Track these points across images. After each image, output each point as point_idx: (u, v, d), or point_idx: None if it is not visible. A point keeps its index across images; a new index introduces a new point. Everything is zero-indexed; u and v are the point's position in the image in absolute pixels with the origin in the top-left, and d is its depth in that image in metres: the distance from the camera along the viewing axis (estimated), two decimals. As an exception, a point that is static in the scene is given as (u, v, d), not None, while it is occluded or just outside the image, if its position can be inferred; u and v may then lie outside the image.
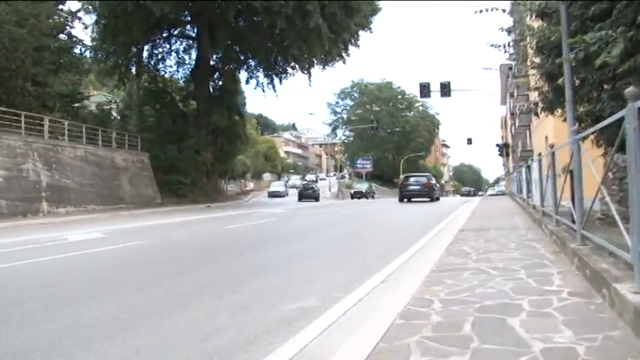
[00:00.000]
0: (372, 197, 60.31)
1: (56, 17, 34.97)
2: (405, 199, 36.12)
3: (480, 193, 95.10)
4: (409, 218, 19.19)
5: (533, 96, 19.70)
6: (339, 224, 17.28)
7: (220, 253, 9.99)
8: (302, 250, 10.23)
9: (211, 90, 44.38)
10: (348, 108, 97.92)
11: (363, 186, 63.67)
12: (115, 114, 43.86)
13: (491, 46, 18.16)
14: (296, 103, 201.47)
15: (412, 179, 38.87)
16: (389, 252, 9.01)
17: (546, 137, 28.48)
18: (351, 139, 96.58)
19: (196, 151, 40.82)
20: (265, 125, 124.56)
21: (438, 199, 38.27)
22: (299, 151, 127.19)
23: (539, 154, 11.82)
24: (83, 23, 39.29)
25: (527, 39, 17.71)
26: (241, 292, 6.04)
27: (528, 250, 7.92)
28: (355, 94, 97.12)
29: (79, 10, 37.72)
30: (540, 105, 17.30)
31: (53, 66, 33.35)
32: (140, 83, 44.72)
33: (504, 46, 18.90)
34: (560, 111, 16.89)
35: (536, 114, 17.82)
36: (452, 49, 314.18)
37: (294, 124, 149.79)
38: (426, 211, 24.08)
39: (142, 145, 38.86)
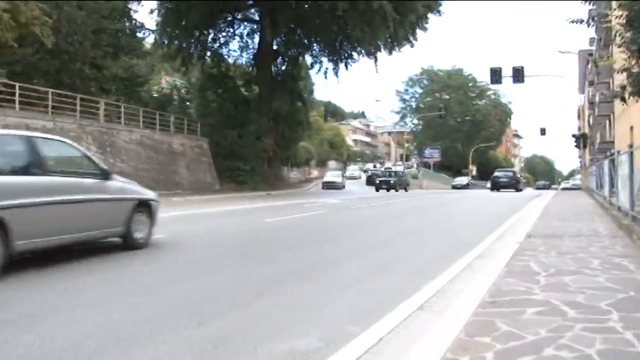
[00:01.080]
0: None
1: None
2: (496, 189, 43.33)
3: (553, 186, 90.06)
4: (474, 215, 17.14)
5: (620, 79, 17.21)
6: (387, 221, 15.45)
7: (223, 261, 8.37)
8: (326, 257, 8.43)
9: (274, 75, 42.93)
10: (417, 96, 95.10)
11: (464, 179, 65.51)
12: (175, 98, 43.04)
13: (572, 22, 15.97)
14: (366, 91, 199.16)
15: (502, 173, 48.39)
16: (434, 262, 7.18)
17: (631, 127, 25.65)
18: (420, 127, 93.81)
19: (257, 137, 39.56)
20: (334, 113, 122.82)
21: (521, 190, 45.29)
22: (367, 139, 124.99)
23: (631, 146, 9.63)
24: (144, 7, 38.54)
25: (614, 13, 15.35)
26: (212, 325, 4.33)
27: (619, 272, 5.88)
28: (425, 82, 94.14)
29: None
30: (629, 89, 14.98)
31: (111, 49, 32.63)
32: (203, 67, 43.80)
33: (588, 21, 16.63)
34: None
35: (623, 99, 15.47)
36: (526, 32, 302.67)
37: (363, 113, 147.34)
38: (496, 205, 21.91)
39: (203, 130, 37.98)
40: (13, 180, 6.67)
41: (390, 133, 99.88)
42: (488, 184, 50.68)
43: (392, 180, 45.18)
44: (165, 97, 40.65)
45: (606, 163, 15.57)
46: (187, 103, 42.74)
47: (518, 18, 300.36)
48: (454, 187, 61.10)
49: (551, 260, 6.74)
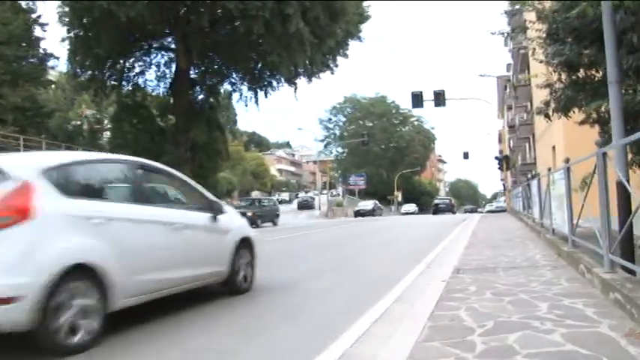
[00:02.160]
0: (380, 215, 58.55)
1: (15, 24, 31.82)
2: (438, 213, 53.57)
3: (479, 210, 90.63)
4: (396, 247, 15.73)
5: (541, 97, 16.37)
6: (291, 259, 13.85)
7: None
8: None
9: (191, 104, 40.94)
10: (340, 124, 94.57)
11: (369, 203, 61.56)
12: (85, 130, 40.45)
13: (492, 33, 15.15)
14: (291, 121, 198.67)
15: (440, 201, 65.69)
16: (337, 317, 5.60)
17: (554, 147, 25.10)
18: (344, 155, 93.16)
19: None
20: (259, 143, 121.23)
21: (455, 212, 58.09)
22: (292, 168, 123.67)
23: (567, 160, 8.37)
24: (54, 34, 36.13)
25: (534, 27, 14.42)
26: None
27: (577, 323, 4.43)
28: (348, 110, 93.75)
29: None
30: (552, 105, 14.04)
31: (9, 76, 30.10)
32: (117, 98, 41.51)
33: (508, 34, 15.93)
34: (576, 111, 13.66)
35: (547, 116, 14.49)
36: (447, 60, 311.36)
37: (288, 142, 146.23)
38: (422, 231, 20.67)
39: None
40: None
41: (315, 162, 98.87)
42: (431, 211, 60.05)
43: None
44: (75, 128, 37.94)
45: (534, 183, 14.52)
46: (100, 135, 40.07)
47: (441, 45, 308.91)
48: (357, 214, 55.46)
49: (487, 306, 5.26)
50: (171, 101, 41.17)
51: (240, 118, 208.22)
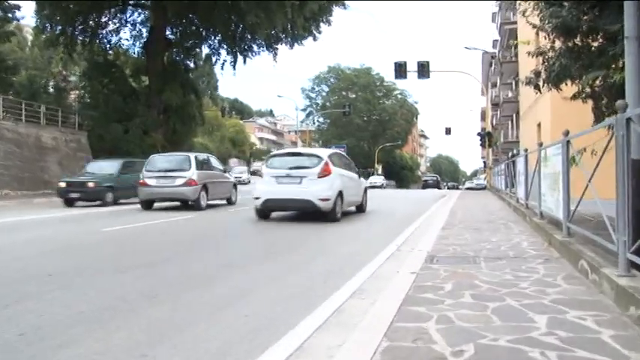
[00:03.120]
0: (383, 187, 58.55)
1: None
2: (427, 188, 59.64)
3: (460, 187, 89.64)
4: (367, 224, 14.42)
5: (529, 67, 15.02)
6: (257, 233, 12.49)
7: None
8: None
9: (166, 66, 39.01)
10: (323, 94, 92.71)
11: (377, 178, 64.27)
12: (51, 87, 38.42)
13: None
14: (275, 90, 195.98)
15: (429, 178, 75.08)
16: (284, 311, 4.27)
17: (539, 124, 23.85)
18: (326, 126, 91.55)
19: (145, 132, 35.66)
20: (241, 110, 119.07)
21: (441, 188, 65.07)
22: (273, 137, 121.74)
23: (567, 133, 6.99)
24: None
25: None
26: None
27: (591, 355, 3.13)
28: (332, 80, 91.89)
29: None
30: (543, 75, 12.73)
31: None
32: (88, 55, 39.46)
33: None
34: (569, 84, 12.36)
35: (537, 87, 13.16)
36: (433, 35, 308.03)
37: (271, 111, 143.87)
38: (400, 205, 19.40)
39: (85, 124, 33.92)
40: (205, 172, 18.45)
41: (296, 132, 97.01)
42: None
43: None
44: (37, 85, 35.92)
45: (521, 160, 13.20)
46: (67, 94, 38.06)
47: (428, 17, 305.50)
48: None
49: (466, 316, 3.92)
50: (145, 62, 39.28)
51: (223, 85, 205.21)
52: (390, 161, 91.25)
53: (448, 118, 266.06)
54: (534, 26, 12.60)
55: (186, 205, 17.76)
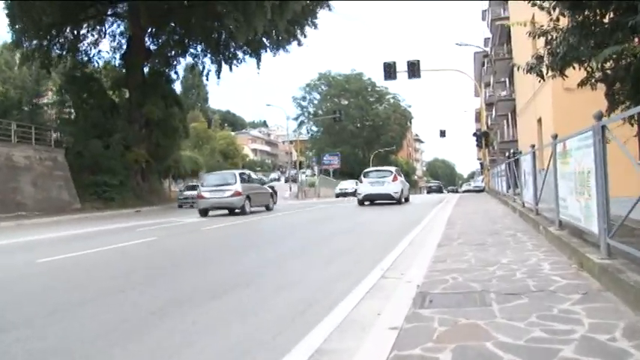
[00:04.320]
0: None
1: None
2: (432, 192, 64.62)
3: (449, 188, 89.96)
4: (352, 241, 12.53)
5: (524, 57, 13.18)
6: (228, 255, 10.62)
7: None
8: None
9: (145, 77, 37.21)
10: (315, 102, 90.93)
11: (349, 184, 54.28)
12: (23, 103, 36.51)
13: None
14: (267, 101, 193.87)
15: (433, 183, 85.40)
16: None
17: (539, 120, 21.94)
18: (319, 134, 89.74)
19: (126, 147, 33.83)
20: (233, 122, 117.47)
21: (443, 192, 68.18)
22: (267, 148, 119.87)
23: (599, 117, 5.07)
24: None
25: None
26: None
27: None
28: (322, 87, 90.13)
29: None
30: (547, 59, 10.92)
31: None
32: (64, 69, 37.70)
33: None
34: (577, 68, 10.55)
35: (540, 74, 11.30)
36: (423, 38, 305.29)
37: (264, 122, 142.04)
38: (393, 215, 17.54)
39: (62, 140, 32.19)
40: (248, 184, 22.91)
41: (292, 142, 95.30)
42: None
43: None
44: (9, 101, 33.99)
45: (528, 158, 11.22)
46: (36, 109, 36.18)
47: (416, 19, 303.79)
48: (338, 195, 50.81)
49: None
50: (124, 73, 37.53)
51: (214, 97, 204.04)
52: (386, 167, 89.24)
53: (442, 121, 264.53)
54: (534, 4, 10.82)
55: (233, 211, 22.25)
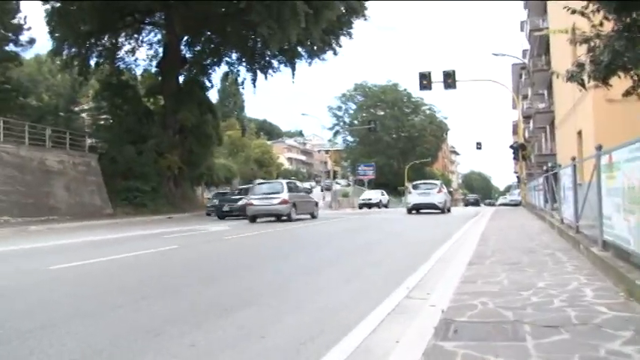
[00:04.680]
0: (386, 207, 50.57)
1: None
2: (469, 205, 66.33)
3: (486, 201, 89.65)
4: (377, 256, 11.93)
5: (563, 65, 12.43)
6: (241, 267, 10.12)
7: None
8: None
9: (180, 85, 37.26)
10: (350, 112, 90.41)
11: (375, 194, 53.72)
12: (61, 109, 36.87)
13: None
14: (304, 110, 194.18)
15: (471, 196, 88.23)
16: None
17: (579, 132, 21.03)
18: (354, 144, 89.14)
19: (160, 154, 33.77)
20: (270, 131, 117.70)
21: (479, 205, 69.14)
22: (303, 157, 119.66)
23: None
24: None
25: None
26: None
27: None
28: (358, 97, 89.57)
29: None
30: (589, 67, 10.24)
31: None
32: (101, 76, 38.05)
33: None
34: (622, 76, 9.88)
35: (582, 83, 10.60)
36: (460, 49, 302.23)
37: (300, 131, 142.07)
38: (423, 228, 16.86)
39: (96, 146, 32.47)
40: (294, 193, 24.37)
41: (327, 152, 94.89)
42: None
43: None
44: (47, 107, 34.33)
45: (567, 171, 10.45)
46: (72, 115, 36.48)
47: (454, 31, 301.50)
48: (362, 206, 49.22)
49: None
50: (159, 81, 37.65)
51: (251, 107, 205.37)
52: (421, 178, 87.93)
53: (479, 133, 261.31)
54: (573, 12, 10.19)
55: (279, 218, 23.59)
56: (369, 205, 48.55)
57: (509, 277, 6.22)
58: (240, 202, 27.49)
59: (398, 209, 42.31)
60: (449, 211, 29.56)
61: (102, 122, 36.84)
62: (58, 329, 4.81)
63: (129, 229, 20.46)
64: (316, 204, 28.20)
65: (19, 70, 35.99)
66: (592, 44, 9.96)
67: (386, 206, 51.00)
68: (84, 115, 39.73)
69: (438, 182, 31.64)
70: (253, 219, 23.90)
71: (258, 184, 28.04)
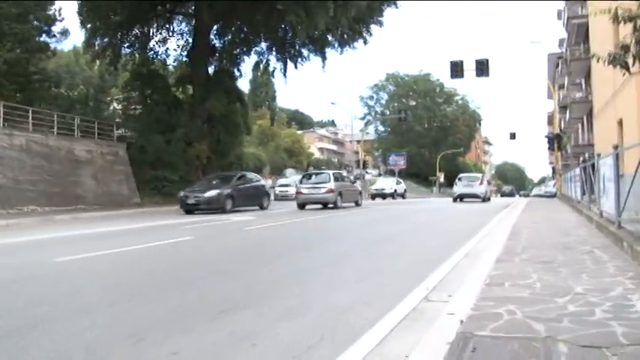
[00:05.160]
0: (402, 197, 46.60)
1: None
2: (504, 196, 64.98)
3: (521, 192, 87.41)
4: (398, 248, 11.25)
5: (603, 48, 11.47)
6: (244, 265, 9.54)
7: None
8: None
9: (209, 74, 36.84)
10: (382, 102, 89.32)
11: (386, 182, 49.17)
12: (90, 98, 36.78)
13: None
14: (336, 100, 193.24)
15: (506, 187, 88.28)
16: None
17: (620, 121, 19.93)
18: (385, 134, 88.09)
19: (188, 143, 33.38)
20: (302, 121, 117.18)
21: (514, 195, 71.31)
22: (334, 147, 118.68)
23: None
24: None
25: None
26: None
27: None
28: (390, 87, 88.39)
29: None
30: (634, 48, 9.39)
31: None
32: (131, 66, 37.84)
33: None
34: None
35: (625, 66, 9.70)
36: (494, 38, 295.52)
37: (332, 121, 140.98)
38: (449, 219, 16.10)
39: (125, 135, 32.36)
40: (340, 183, 26.07)
41: (358, 142, 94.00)
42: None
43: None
44: (77, 97, 34.19)
45: (609, 161, 9.44)
46: (101, 104, 36.35)
47: (488, 19, 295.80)
48: (374, 197, 45.46)
49: None
50: (189, 70, 37.27)
51: (284, 97, 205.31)
52: (453, 169, 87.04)
53: (513, 123, 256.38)
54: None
55: (326, 206, 25.23)
56: (383, 196, 44.96)
57: (542, 278, 5.48)
58: (208, 194, 23.93)
59: (424, 198, 41.20)
60: (489, 200, 34.30)
61: (131, 112, 36.60)
62: (36, 331, 4.29)
63: (153, 218, 20.14)
64: (360, 193, 30.14)
65: (54, 62, 35.89)
66: (638, 23, 9.09)
67: (402, 196, 47.19)
68: (114, 104, 39.57)
69: (479, 175, 37.85)
70: (302, 206, 25.69)
71: (307, 174, 30.82)
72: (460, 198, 32.77)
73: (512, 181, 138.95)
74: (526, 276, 5.63)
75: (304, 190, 25.88)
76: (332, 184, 25.12)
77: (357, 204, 27.89)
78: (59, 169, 25.82)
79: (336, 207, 24.78)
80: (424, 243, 10.39)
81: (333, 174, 27.22)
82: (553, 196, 44.14)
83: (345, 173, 34.41)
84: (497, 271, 5.99)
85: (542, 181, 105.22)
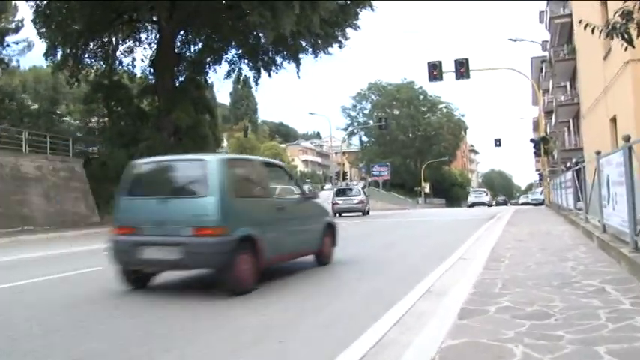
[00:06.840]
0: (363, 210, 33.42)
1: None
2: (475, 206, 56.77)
3: (511, 201, 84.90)
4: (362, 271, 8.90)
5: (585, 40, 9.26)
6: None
7: None
8: None
9: (175, 84, 34.45)
10: (365, 111, 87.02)
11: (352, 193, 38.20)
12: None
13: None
14: (318, 110, 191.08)
15: (500, 198, 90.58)
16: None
17: (614, 119, 17.66)
18: (369, 144, 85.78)
19: (152, 157, 30.97)
20: (286, 134, 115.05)
21: (507, 204, 71.08)
22: (319, 159, 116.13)
23: None
24: None
25: None
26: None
27: None
28: (373, 97, 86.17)
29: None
30: (638, 15, 7.13)
31: None
32: (93, 77, 35.45)
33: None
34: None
35: (627, 38, 7.33)
36: (475, 43, 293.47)
37: (318, 133, 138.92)
38: (424, 237, 13.75)
39: (85, 150, 29.91)
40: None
41: (344, 153, 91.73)
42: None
43: None
44: (28, 110, 31.71)
45: (616, 158, 7.04)
46: (53, 117, 33.88)
47: (468, 20, 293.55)
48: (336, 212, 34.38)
49: None
50: (154, 80, 34.93)
51: (266, 110, 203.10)
52: (439, 178, 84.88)
53: (498, 131, 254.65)
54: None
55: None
56: (348, 210, 32.78)
57: (530, 356, 3.08)
58: None
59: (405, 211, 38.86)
60: (491, 206, 53.73)
61: (92, 125, 34.17)
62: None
63: (103, 239, 17.66)
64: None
65: (18, 75, 33.38)
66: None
67: (366, 213, 33.74)
68: (69, 118, 37.09)
69: (484, 189, 65.09)
70: (339, 215, 29.40)
71: (340, 189, 35.93)
72: (474, 205, 50.21)
73: (499, 189, 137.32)
74: (502, 353, 3.24)
75: (339, 201, 31.68)
76: (362, 197, 32.06)
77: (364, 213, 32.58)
78: (1, 187, 23.30)
79: (365, 215, 30.82)
80: (377, 277, 7.98)
81: (362, 188, 34.53)
82: (541, 203, 42.08)
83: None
84: (455, 339, 3.59)
85: (530, 188, 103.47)
